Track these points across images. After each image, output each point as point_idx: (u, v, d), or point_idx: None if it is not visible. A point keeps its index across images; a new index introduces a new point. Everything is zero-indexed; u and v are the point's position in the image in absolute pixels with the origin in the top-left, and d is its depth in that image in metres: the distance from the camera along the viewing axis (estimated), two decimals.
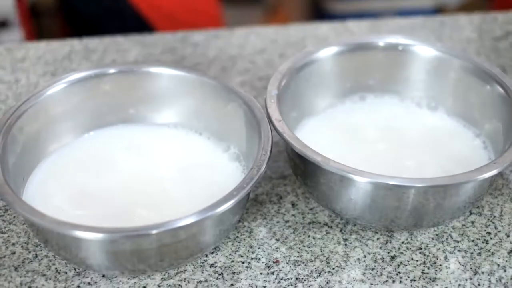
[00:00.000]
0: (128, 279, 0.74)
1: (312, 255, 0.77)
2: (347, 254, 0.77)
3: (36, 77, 1.00)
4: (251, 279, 0.74)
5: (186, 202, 0.76)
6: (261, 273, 0.75)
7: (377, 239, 0.79)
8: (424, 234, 0.79)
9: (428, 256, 0.77)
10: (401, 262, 0.76)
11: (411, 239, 0.79)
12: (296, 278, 0.74)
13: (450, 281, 0.74)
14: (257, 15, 2.47)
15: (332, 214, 0.81)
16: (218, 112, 0.83)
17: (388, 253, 0.77)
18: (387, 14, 2.25)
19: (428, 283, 0.74)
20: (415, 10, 2.22)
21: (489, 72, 0.84)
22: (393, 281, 0.74)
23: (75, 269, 0.75)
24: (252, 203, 0.82)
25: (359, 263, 0.76)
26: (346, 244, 0.78)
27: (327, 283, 0.74)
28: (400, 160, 0.82)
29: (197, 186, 0.79)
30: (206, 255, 0.76)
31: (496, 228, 0.80)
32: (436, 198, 0.73)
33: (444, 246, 0.78)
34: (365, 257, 0.77)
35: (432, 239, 0.79)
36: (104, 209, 0.77)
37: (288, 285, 0.74)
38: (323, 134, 0.85)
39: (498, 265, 0.76)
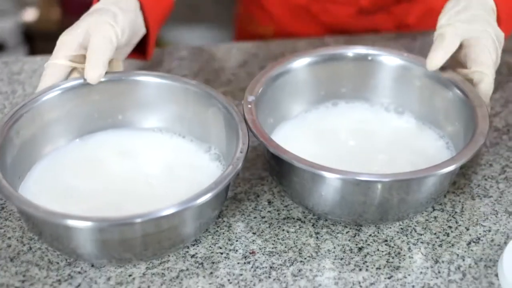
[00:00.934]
0: (115, 268, 0.80)
1: (285, 247, 0.83)
2: (318, 246, 0.83)
3: (32, 88, 1.07)
4: (229, 268, 0.81)
5: (171, 199, 0.82)
6: (238, 263, 0.81)
7: (346, 232, 0.85)
8: (390, 228, 0.85)
9: (393, 247, 0.83)
10: (367, 253, 0.83)
11: (378, 232, 0.85)
12: (271, 267, 0.81)
13: (412, 269, 0.81)
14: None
15: (305, 210, 0.87)
16: (200, 116, 0.90)
17: (356, 244, 0.84)
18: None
19: (392, 271, 0.80)
20: None
21: (451, 79, 0.91)
22: (360, 269, 0.81)
23: (66, 260, 0.81)
24: (231, 201, 0.88)
25: (329, 253, 0.82)
26: (317, 237, 0.84)
27: (299, 271, 0.80)
28: (370, 159, 0.89)
29: (181, 184, 0.86)
30: (188, 247, 0.83)
31: (457, 222, 0.87)
32: (400, 193, 0.79)
33: (408, 238, 0.84)
34: (334, 248, 0.83)
35: (397, 232, 0.85)
36: (93, 205, 0.83)
37: (263, 273, 0.80)
38: (298, 137, 0.92)
39: (457, 255, 0.82)
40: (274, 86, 0.92)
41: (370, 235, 0.85)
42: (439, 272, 0.81)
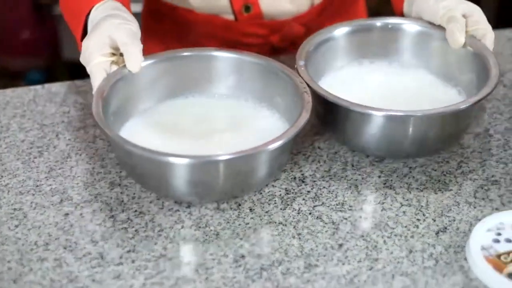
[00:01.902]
0: (116, 280, 0.86)
1: (272, 249, 0.90)
2: (302, 246, 0.90)
3: (7, 119, 1.11)
4: (223, 272, 0.87)
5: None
6: (230, 267, 0.87)
7: (326, 231, 0.92)
8: (365, 225, 0.93)
9: (369, 241, 0.91)
10: (348, 248, 0.90)
11: (354, 229, 0.92)
12: (261, 268, 0.87)
13: (390, 260, 0.88)
14: None
15: (286, 215, 0.94)
16: (264, 83, 1.05)
17: (336, 241, 0.91)
18: None
19: (372, 262, 0.88)
20: None
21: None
22: (343, 264, 0.88)
23: (67, 277, 0.86)
24: (215, 211, 0.95)
25: (313, 251, 0.89)
26: (300, 238, 0.91)
27: (288, 269, 0.87)
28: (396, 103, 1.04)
29: (250, 138, 0.99)
30: (182, 256, 0.89)
31: (424, 215, 0.95)
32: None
33: (382, 232, 0.92)
34: (317, 246, 0.90)
35: (372, 228, 0.93)
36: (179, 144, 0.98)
37: (255, 274, 0.86)
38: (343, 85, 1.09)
39: (428, 244, 0.90)
40: (318, 51, 1.08)
41: (347, 232, 0.92)
42: (414, 260, 0.88)
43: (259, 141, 0.90)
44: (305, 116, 0.93)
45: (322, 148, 1.05)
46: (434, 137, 0.98)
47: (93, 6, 1.03)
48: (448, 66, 1.10)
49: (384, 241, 0.91)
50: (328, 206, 0.96)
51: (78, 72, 1.18)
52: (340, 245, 0.90)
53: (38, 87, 1.18)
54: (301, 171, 1.01)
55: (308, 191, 0.98)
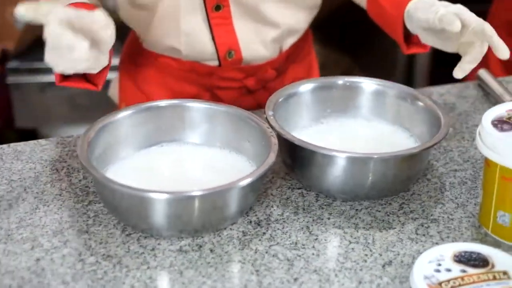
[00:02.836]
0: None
1: (232, 284, 0.97)
2: (260, 281, 0.97)
3: None
4: None
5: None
6: None
7: (281, 267, 1.00)
8: (318, 260, 1.01)
9: (322, 275, 0.98)
10: (302, 282, 0.97)
11: (308, 264, 1.00)
12: None
13: None
14: None
15: (245, 254, 1.01)
16: (235, 131, 1.15)
17: (292, 276, 0.98)
18: None
19: None
20: None
21: (413, 93, 1.21)
22: None
23: None
24: (178, 253, 1.02)
25: (270, 286, 0.97)
26: (258, 274, 0.98)
27: None
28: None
29: (221, 176, 1.09)
30: None
31: (371, 251, 1.03)
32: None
33: (334, 266, 1.00)
34: (274, 281, 0.97)
35: (323, 263, 1.00)
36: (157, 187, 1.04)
37: None
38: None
39: (376, 275, 0.99)
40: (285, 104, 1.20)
41: (301, 267, 1.00)
42: None
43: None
44: (273, 156, 1.04)
45: (275, 194, 1.13)
46: (393, 178, 1.09)
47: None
48: (402, 118, 1.22)
49: (336, 274, 0.99)
50: (283, 245, 1.03)
51: (31, 139, 1.27)
52: (295, 279, 0.98)
53: (4, 146, 1.24)
54: (256, 215, 1.09)
55: (264, 233, 1.05)
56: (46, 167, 1.19)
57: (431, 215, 1.10)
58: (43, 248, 1.02)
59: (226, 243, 1.04)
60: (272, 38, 1.39)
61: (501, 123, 1.03)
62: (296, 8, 1.39)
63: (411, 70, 2.60)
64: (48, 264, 0.99)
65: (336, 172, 1.07)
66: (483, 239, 1.06)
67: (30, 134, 2.46)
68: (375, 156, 1.06)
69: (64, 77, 1.10)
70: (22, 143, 1.25)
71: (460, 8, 1.14)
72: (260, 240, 1.04)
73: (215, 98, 1.45)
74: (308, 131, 1.22)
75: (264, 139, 1.08)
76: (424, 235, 1.06)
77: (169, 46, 1.38)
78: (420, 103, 1.19)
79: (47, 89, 2.47)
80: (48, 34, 0.96)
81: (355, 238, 1.05)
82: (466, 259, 1.00)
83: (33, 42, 2.45)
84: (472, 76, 1.48)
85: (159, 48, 1.40)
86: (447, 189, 1.16)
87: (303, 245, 1.04)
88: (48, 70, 1.13)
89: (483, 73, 1.45)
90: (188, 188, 1.00)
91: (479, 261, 0.99)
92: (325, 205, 1.11)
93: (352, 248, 1.03)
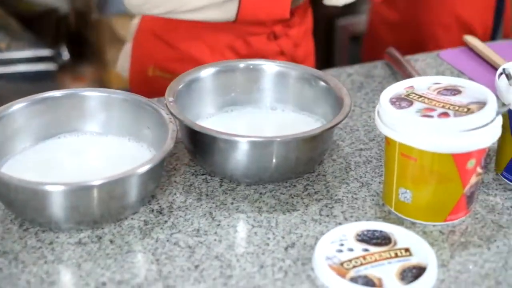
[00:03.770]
0: None
1: (132, 275, 0.95)
2: (160, 270, 0.96)
3: None
4: None
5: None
6: None
7: (182, 255, 0.98)
8: (219, 246, 0.99)
9: (223, 261, 0.97)
10: (203, 268, 0.96)
11: (209, 251, 0.99)
12: None
13: (243, 276, 0.95)
14: None
15: (145, 243, 0.99)
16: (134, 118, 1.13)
17: (193, 263, 0.97)
18: None
19: (226, 279, 0.94)
20: None
21: (316, 74, 1.19)
22: (199, 282, 0.94)
23: None
24: (77, 246, 0.99)
25: (170, 274, 0.95)
26: (158, 263, 0.97)
27: None
28: None
29: (121, 165, 1.04)
30: None
31: (274, 234, 1.02)
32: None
33: (235, 252, 0.99)
34: (174, 269, 0.96)
35: (225, 249, 0.99)
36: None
37: None
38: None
39: (278, 258, 0.98)
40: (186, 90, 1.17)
41: (203, 254, 0.98)
42: (265, 274, 0.95)
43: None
44: (170, 143, 1.02)
45: (178, 182, 1.11)
46: (296, 160, 1.08)
47: None
48: (307, 100, 1.21)
49: (237, 259, 0.97)
50: (185, 233, 1.02)
51: None
52: (196, 266, 0.96)
53: None
54: (158, 203, 1.07)
55: (166, 221, 1.04)
56: None
57: (336, 195, 1.09)
58: None
59: (126, 233, 1.01)
60: None
61: (399, 101, 1.03)
62: None
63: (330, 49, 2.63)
64: None
65: (238, 157, 1.06)
66: (387, 217, 1.05)
67: None
68: (278, 139, 1.05)
69: None
70: None
71: None
72: (161, 228, 1.02)
73: (247, 44, 1.47)
74: (213, 119, 1.20)
75: (164, 126, 1.06)
76: (328, 215, 1.05)
77: None
78: (323, 84, 1.18)
79: None
80: None
81: (258, 222, 1.04)
82: (369, 238, 0.99)
83: None
84: (381, 55, 1.48)
85: None
86: (352, 169, 1.15)
87: (205, 231, 1.02)
88: None
89: (390, 52, 1.45)
90: (88, 179, 0.98)
91: (382, 239, 0.99)
92: (229, 190, 1.10)
93: (255, 232, 1.02)
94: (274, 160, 1.06)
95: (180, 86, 1.15)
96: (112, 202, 0.99)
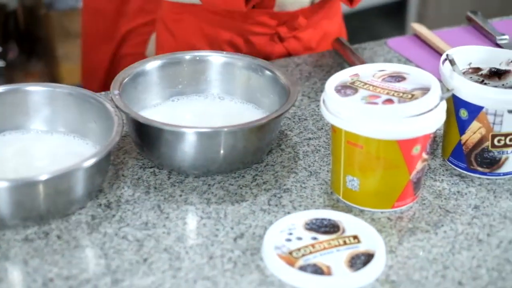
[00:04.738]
0: None
1: (79, 270, 0.94)
2: (109, 264, 0.95)
3: None
4: None
5: None
6: None
7: (131, 249, 0.97)
8: (167, 239, 0.99)
9: (172, 253, 0.97)
10: (152, 262, 0.95)
11: (158, 244, 0.98)
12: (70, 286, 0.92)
13: (192, 267, 0.95)
14: None
15: (93, 238, 0.98)
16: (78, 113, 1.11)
17: (141, 256, 0.96)
18: None
19: (175, 271, 0.94)
20: None
21: (262, 64, 1.19)
22: (148, 275, 0.93)
23: None
24: (23, 242, 0.98)
25: (118, 268, 0.94)
26: (106, 257, 0.96)
27: (95, 286, 0.92)
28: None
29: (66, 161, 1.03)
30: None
31: (223, 225, 1.02)
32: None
33: (183, 244, 0.98)
34: (122, 263, 0.95)
35: (174, 241, 0.99)
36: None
37: None
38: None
39: (227, 249, 0.98)
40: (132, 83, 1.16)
41: (151, 247, 0.98)
42: (214, 265, 0.95)
43: None
44: (115, 136, 1.01)
45: (126, 175, 1.11)
46: (244, 150, 1.08)
47: None
48: (253, 91, 1.20)
49: (186, 252, 0.97)
50: (133, 226, 1.01)
51: None
52: (145, 260, 0.96)
53: None
54: (106, 197, 1.06)
55: (114, 215, 1.03)
56: None
57: (284, 185, 1.09)
58: None
59: (74, 228, 1.01)
60: None
61: (344, 88, 1.04)
62: None
63: None
64: None
65: (185, 148, 1.06)
66: (335, 205, 1.06)
67: None
68: (225, 130, 1.05)
69: None
70: None
71: None
72: (109, 222, 1.02)
73: (248, 43, 1.46)
74: (159, 110, 1.19)
75: (109, 119, 1.05)
76: (276, 205, 1.06)
77: None
78: (270, 74, 1.18)
79: None
80: None
81: (207, 213, 1.04)
82: (317, 226, 1.00)
83: None
84: (329, 44, 1.49)
85: None
86: (301, 158, 1.15)
87: (154, 224, 1.02)
88: None
89: (338, 41, 1.45)
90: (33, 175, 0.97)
91: (330, 227, 1.00)
92: (177, 182, 1.09)
93: (204, 224, 1.02)
94: (221, 151, 1.06)
95: (126, 79, 1.14)
96: (59, 197, 0.98)
